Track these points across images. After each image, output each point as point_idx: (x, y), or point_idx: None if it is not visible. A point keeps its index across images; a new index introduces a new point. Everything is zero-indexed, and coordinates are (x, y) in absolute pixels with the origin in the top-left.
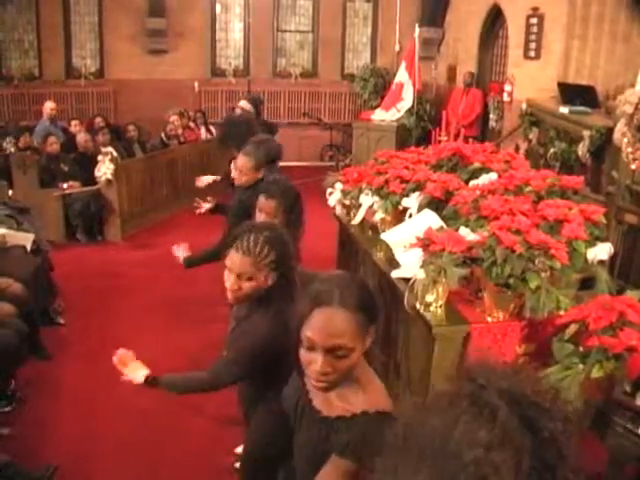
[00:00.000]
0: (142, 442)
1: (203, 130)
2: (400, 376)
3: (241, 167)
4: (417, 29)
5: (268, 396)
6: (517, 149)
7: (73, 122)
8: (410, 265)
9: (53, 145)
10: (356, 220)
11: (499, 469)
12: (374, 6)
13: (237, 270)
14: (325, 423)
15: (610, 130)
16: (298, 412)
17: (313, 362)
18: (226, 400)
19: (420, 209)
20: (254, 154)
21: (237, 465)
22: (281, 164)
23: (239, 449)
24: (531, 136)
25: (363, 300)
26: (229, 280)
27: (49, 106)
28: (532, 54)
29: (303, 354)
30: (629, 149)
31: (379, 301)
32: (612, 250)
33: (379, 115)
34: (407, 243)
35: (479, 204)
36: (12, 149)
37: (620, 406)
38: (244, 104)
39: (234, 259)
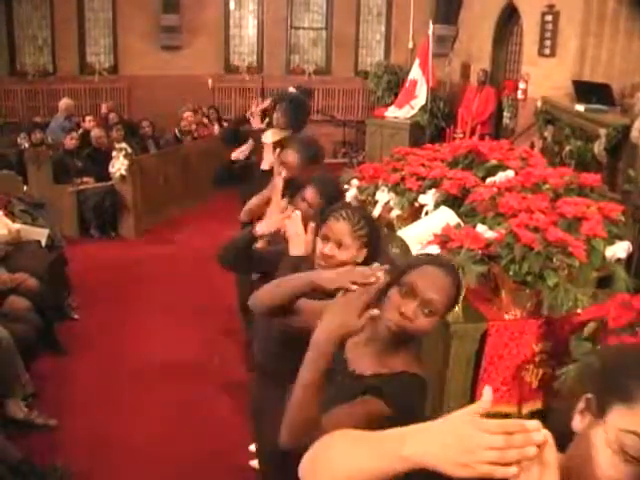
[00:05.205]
0: (155, 437)
1: (216, 126)
2: None
3: (290, 162)
4: (431, 26)
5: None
6: (532, 147)
7: (87, 118)
8: None
9: (73, 140)
10: None
11: None
12: (388, 3)
13: (335, 237)
14: (358, 380)
15: (627, 128)
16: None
17: (404, 306)
18: (239, 397)
19: (436, 206)
20: (304, 152)
21: (252, 464)
22: None
23: (253, 447)
24: (546, 134)
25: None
26: (325, 247)
27: (67, 103)
28: (547, 52)
29: (394, 296)
30: None
31: None
32: (630, 248)
33: (393, 112)
34: (424, 240)
35: (496, 201)
36: (26, 145)
37: None
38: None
39: (333, 227)
